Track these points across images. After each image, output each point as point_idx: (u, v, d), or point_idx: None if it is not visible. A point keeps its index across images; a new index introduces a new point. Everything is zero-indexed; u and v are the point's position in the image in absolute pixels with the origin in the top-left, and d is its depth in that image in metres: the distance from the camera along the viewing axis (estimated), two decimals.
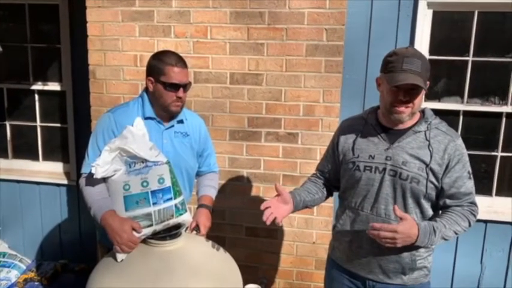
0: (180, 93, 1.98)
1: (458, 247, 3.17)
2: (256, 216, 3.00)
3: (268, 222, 1.80)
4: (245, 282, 1.87)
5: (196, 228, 2.04)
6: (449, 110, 3.06)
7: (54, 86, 3.67)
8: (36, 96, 3.74)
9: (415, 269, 1.82)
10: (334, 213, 2.83)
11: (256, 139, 2.93)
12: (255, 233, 3.04)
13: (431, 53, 3.03)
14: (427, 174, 1.73)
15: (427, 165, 1.73)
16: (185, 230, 1.92)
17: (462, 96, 3.07)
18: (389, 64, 1.71)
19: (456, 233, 1.74)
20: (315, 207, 2.92)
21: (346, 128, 1.97)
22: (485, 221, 3.08)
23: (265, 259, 3.07)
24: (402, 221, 1.64)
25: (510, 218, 3.08)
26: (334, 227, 2.05)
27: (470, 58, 3.02)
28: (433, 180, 1.74)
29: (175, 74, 1.96)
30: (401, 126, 1.79)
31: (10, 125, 3.84)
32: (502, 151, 3.11)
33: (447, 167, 1.74)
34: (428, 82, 1.77)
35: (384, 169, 1.78)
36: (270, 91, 2.86)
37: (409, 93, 1.68)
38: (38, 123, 3.79)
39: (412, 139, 1.77)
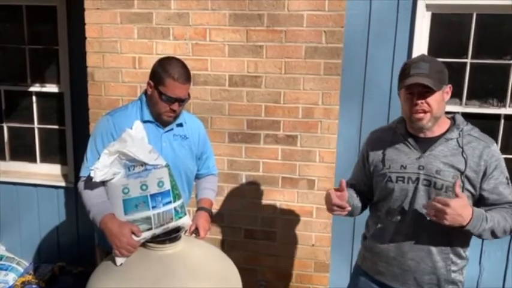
0: (175, 106, 1.97)
1: None
2: (255, 219, 3.03)
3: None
4: (244, 285, 1.86)
5: (196, 231, 2.03)
6: (448, 112, 3.03)
7: (52, 88, 3.66)
8: (34, 98, 3.73)
9: (450, 282, 1.79)
10: (332, 216, 2.83)
11: (255, 141, 2.92)
12: (254, 235, 3.04)
13: (429, 54, 3.02)
14: (463, 182, 1.69)
15: (462, 173, 1.69)
16: (184, 233, 1.91)
17: (461, 98, 3.08)
18: (401, 75, 1.73)
19: (504, 232, 1.68)
20: (314, 209, 2.93)
21: (375, 139, 1.93)
22: None
23: (264, 261, 3.06)
24: (457, 198, 1.59)
25: None
26: (364, 237, 2.02)
27: (468, 60, 3.02)
28: (470, 188, 1.70)
29: (174, 89, 1.93)
30: (431, 134, 1.76)
31: (8, 126, 3.83)
32: (501, 153, 3.11)
33: (484, 173, 1.70)
34: (450, 86, 1.75)
35: (417, 179, 1.74)
36: (269, 93, 2.85)
37: (423, 96, 1.67)
38: (36, 125, 3.77)
39: (445, 146, 1.73)
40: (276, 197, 2.97)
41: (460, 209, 1.58)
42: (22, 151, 3.85)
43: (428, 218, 1.67)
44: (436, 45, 3.02)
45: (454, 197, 1.60)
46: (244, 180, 2.99)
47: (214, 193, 2.29)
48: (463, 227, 1.61)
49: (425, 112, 1.69)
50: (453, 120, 1.81)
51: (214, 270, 1.78)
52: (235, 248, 3.03)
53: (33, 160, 3.83)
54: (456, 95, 3.08)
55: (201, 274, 1.71)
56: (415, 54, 2.94)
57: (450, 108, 3.07)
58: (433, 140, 1.75)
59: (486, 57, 3.01)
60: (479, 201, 1.73)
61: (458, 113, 3.04)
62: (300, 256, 3.02)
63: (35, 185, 3.73)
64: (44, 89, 3.68)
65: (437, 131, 1.76)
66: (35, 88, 3.69)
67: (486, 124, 3.10)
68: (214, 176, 2.36)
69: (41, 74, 3.68)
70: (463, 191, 1.68)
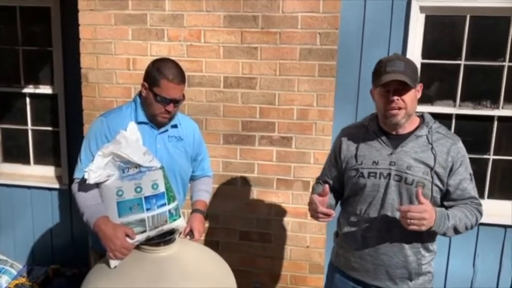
0: (170, 107, 1.96)
1: (451, 250, 3.19)
2: (250, 220, 3.02)
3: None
4: (239, 287, 1.86)
5: (190, 233, 2.03)
6: (441, 113, 3.08)
7: (45, 89, 3.64)
8: (28, 100, 3.70)
9: (421, 274, 1.84)
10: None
11: (250, 143, 2.92)
12: (249, 237, 3.03)
13: (423, 56, 3.05)
14: (432, 177, 1.74)
15: (431, 169, 1.74)
16: (179, 235, 1.91)
17: (454, 100, 3.09)
18: (376, 72, 1.77)
19: (466, 227, 1.75)
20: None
21: (347, 135, 1.96)
22: (478, 224, 3.09)
23: (258, 263, 3.06)
24: (424, 203, 1.65)
25: (502, 221, 3.10)
26: (336, 234, 2.04)
27: (462, 62, 3.04)
28: (438, 183, 1.76)
29: (168, 89, 1.93)
30: (402, 131, 1.81)
31: (1, 128, 3.80)
32: (494, 154, 3.13)
33: (451, 169, 1.76)
34: (421, 85, 1.80)
35: (389, 174, 1.78)
36: (263, 95, 2.85)
37: (399, 93, 1.71)
38: (29, 126, 3.75)
39: (415, 143, 1.78)
40: (270, 198, 2.97)
41: (432, 212, 1.65)
42: (16, 153, 3.83)
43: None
44: (430, 47, 3.04)
45: (420, 204, 1.65)
46: (239, 182, 2.99)
47: (209, 195, 2.29)
48: (430, 228, 1.67)
49: (400, 109, 1.73)
50: (422, 118, 1.86)
51: (209, 273, 1.77)
52: (230, 250, 3.02)
53: (27, 162, 3.80)
54: (450, 96, 3.10)
55: (196, 276, 1.71)
56: (410, 56, 2.95)
57: (444, 109, 3.09)
58: (404, 137, 1.80)
59: (480, 59, 3.03)
60: (445, 196, 1.79)
61: (452, 114, 3.08)
62: (295, 258, 3.02)
63: (29, 187, 3.71)
64: (38, 91, 3.66)
65: (408, 128, 1.81)
66: (29, 89, 3.67)
67: (479, 126, 3.12)
68: (209, 178, 2.36)
69: (34, 75, 3.66)
70: (432, 187, 1.75)
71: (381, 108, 1.78)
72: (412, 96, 1.74)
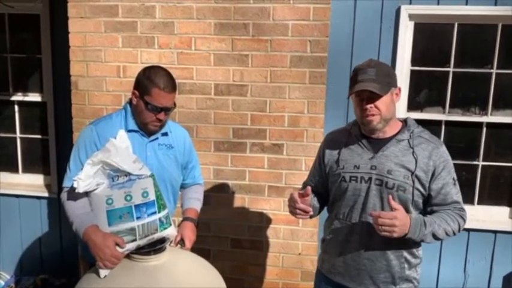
0: (161, 116, 1.96)
1: (442, 256, 3.20)
2: (241, 228, 3.01)
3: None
4: None
5: (181, 242, 2.01)
6: (431, 120, 3.10)
7: (34, 97, 3.61)
8: (16, 107, 3.67)
9: (405, 279, 1.83)
10: (319, 225, 2.84)
11: (241, 150, 2.92)
12: (240, 244, 3.02)
13: (413, 64, 3.07)
14: (413, 181, 1.74)
15: (412, 173, 1.74)
16: (170, 244, 1.89)
17: (444, 107, 3.12)
18: (351, 80, 1.79)
19: (447, 233, 1.75)
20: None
21: (330, 140, 1.98)
22: (468, 230, 3.12)
23: (250, 271, 3.04)
24: (397, 210, 1.66)
25: (492, 226, 3.12)
26: (322, 240, 2.05)
27: (451, 69, 3.07)
28: (419, 187, 1.76)
29: (160, 98, 1.92)
30: (383, 136, 1.81)
31: None
32: (483, 160, 3.16)
33: (433, 174, 1.75)
34: (399, 87, 1.81)
35: (370, 178, 1.79)
36: (254, 102, 2.86)
37: (372, 100, 1.73)
38: (18, 134, 3.71)
39: (396, 147, 1.79)
40: (262, 205, 2.96)
41: (404, 219, 1.66)
42: (4, 161, 3.78)
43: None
44: (419, 55, 3.07)
45: (394, 210, 1.66)
46: (230, 189, 2.98)
47: (200, 203, 2.27)
48: (404, 235, 1.67)
49: (374, 115, 1.75)
50: (405, 122, 1.87)
51: (200, 281, 1.76)
52: (222, 258, 3.01)
53: (15, 170, 3.76)
54: (439, 103, 3.12)
55: (187, 285, 1.69)
56: (399, 63, 2.98)
57: (433, 116, 3.12)
58: (385, 141, 1.81)
59: (468, 66, 3.07)
60: (427, 201, 1.80)
61: (441, 120, 3.11)
62: (287, 265, 3.01)
63: (17, 196, 3.66)
64: (27, 98, 3.63)
65: (389, 132, 1.81)
66: (18, 97, 3.63)
67: (469, 132, 3.15)
68: (200, 186, 2.34)
69: (23, 83, 3.63)
70: (413, 191, 1.75)
71: (358, 116, 1.80)
72: (386, 101, 1.74)
